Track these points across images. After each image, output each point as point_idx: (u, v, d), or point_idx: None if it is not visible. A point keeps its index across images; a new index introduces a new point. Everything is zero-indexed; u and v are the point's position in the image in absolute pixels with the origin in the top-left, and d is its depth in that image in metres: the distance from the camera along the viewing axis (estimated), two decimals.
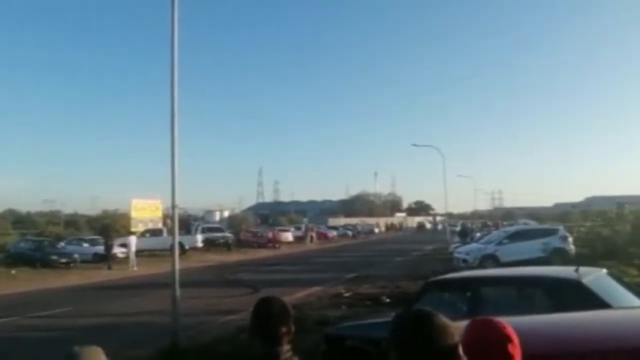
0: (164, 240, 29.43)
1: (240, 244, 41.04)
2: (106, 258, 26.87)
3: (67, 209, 73.82)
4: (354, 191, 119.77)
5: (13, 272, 23.33)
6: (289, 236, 47.80)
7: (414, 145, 44.95)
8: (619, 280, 6.02)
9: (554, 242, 20.67)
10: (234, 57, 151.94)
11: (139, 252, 29.16)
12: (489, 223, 58.76)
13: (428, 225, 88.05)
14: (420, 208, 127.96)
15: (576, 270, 5.68)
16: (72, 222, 57.71)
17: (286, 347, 2.30)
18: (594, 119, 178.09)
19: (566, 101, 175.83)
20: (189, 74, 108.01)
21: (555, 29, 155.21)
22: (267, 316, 2.34)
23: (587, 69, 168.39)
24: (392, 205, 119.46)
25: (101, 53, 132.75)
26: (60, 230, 47.52)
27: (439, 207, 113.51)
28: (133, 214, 34.16)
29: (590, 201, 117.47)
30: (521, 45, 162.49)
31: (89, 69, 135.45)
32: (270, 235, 44.53)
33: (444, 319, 1.55)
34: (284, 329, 2.31)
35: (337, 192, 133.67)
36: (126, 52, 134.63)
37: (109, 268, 25.57)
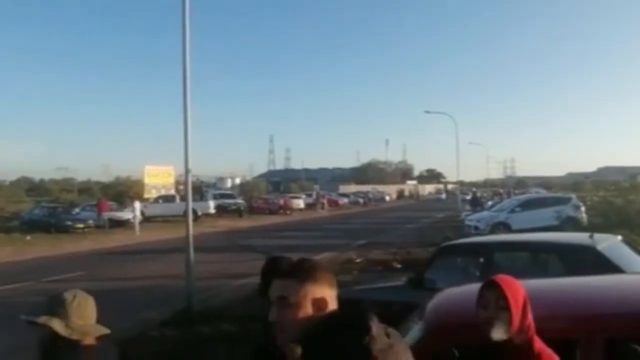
0: (176, 207, 29.72)
1: (252, 210, 41.33)
2: (119, 223, 27.79)
3: (80, 176, 74.80)
4: (365, 159, 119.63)
5: (28, 238, 23.73)
6: (300, 203, 48.00)
7: (427, 112, 44.50)
8: (634, 247, 5.95)
9: (566, 210, 20.54)
10: (246, 23, 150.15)
11: (153, 218, 29.54)
12: (501, 191, 58.43)
13: (443, 196, 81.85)
14: (431, 176, 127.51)
15: (590, 237, 5.62)
16: (86, 189, 58.43)
17: None
18: (608, 90, 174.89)
19: (580, 71, 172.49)
20: (201, 40, 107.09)
21: None
22: (274, 274, 2.36)
23: (599, 40, 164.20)
24: (403, 173, 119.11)
25: (113, 18, 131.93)
26: (74, 197, 48.20)
27: (450, 176, 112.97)
28: (146, 181, 34.36)
29: (603, 171, 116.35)
30: (537, 11, 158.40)
31: (99, 35, 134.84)
32: (281, 202, 44.77)
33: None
34: None
35: (348, 160, 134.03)
36: (138, 17, 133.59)
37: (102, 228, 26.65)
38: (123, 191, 42.01)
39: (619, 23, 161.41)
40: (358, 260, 14.96)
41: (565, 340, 2.16)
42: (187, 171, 9.89)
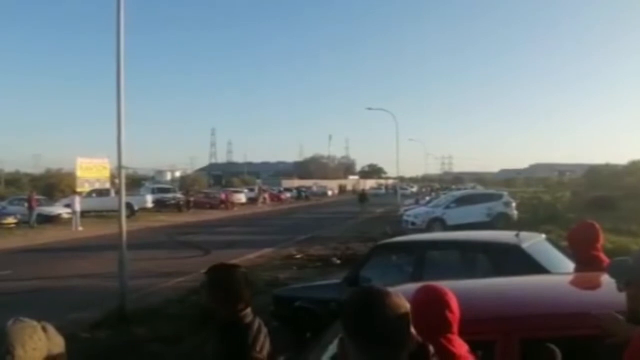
0: (111, 201, 28.62)
1: (192, 205, 40.44)
2: (49, 219, 26.65)
3: (8, 167, 70.48)
4: (308, 153, 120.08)
5: None
6: (242, 198, 47.54)
7: (369, 109, 44.96)
8: (556, 245, 6.29)
9: (498, 207, 21.35)
10: (186, 13, 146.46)
11: (86, 213, 28.35)
12: (423, 189, 62.85)
13: (382, 191, 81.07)
14: (373, 171, 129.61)
15: (517, 236, 5.88)
16: (14, 181, 55.22)
17: (248, 311, 2.40)
18: (540, 92, 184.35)
19: (515, 73, 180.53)
20: (139, 27, 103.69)
21: None
22: (232, 284, 2.40)
23: (537, 44, 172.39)
24: (346, 168, 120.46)
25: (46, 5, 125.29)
26: (0, 190, 45.49)
27: (391, 171, 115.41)
28: (79, 174, 32.99)
29: (534, 168, 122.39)
30: (476, 14, 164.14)
31: (31, 21, 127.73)
32: (222, 196, 44.11)
33: (393, 295, 1.53)
34: (247, 295, 2.41)
35: (291, 154, 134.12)
36: (72, 4, 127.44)
37: (32, 227, 25.13)
38: (54, 184, 40.07)
39: (562, 30, 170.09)
40: (298, 256, 15.02)
41: (482, 342, 2.25)
42: (120, 166, 9.55)
